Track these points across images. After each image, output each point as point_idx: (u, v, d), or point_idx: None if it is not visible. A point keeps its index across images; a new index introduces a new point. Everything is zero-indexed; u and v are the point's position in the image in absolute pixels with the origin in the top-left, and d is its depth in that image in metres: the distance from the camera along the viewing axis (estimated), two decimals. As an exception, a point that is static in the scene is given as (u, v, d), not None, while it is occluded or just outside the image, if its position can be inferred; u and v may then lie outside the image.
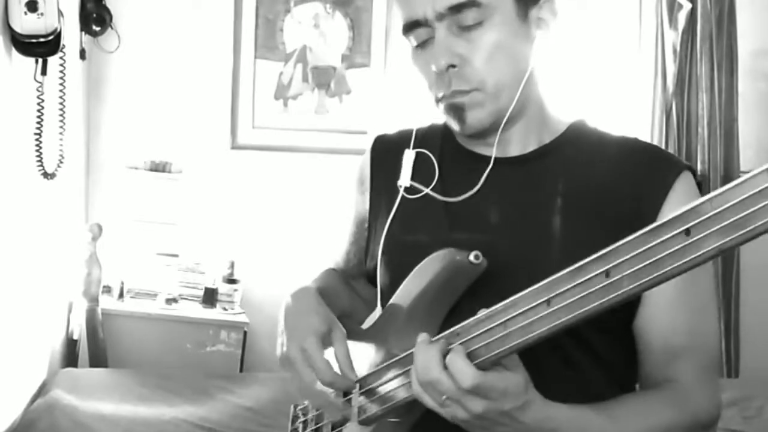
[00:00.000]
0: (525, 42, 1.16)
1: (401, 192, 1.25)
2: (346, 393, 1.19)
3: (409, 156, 1.27)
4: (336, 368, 1.16)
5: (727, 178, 3.50)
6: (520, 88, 1.16)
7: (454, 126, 1.19)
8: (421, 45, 1.16)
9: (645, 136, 3.50)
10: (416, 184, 1.24)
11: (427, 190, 1.23)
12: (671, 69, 3.51)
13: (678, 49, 3.49)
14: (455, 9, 1.11)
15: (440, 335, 1.01)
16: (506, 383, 0.95)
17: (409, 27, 1.16)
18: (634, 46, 3.61)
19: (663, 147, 3.45)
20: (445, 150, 1.26)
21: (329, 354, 1.17)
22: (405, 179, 1.26)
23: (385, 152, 1.32)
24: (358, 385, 1.16)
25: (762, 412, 2.89)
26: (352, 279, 1.43)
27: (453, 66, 1.13)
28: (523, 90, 1.16)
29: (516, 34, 1.14)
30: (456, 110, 1.16)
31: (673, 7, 3.48)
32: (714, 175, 3.50)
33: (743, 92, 3.54)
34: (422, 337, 1.01)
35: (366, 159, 1.35)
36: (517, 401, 0.95)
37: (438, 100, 1.18)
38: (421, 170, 1.25)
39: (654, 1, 3.54)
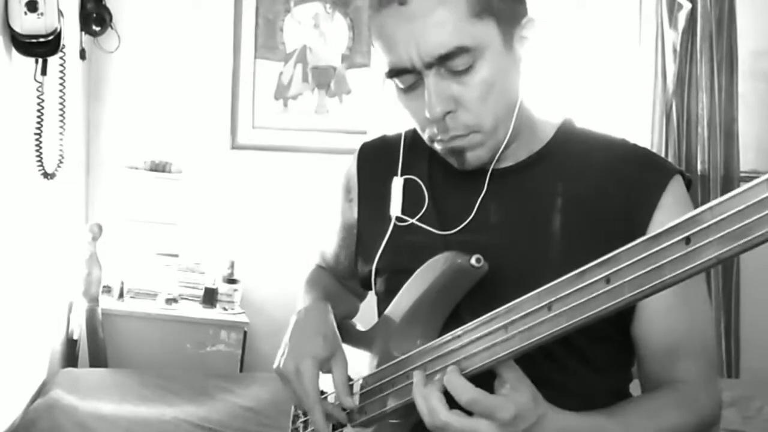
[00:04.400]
0: (514, 68, 1.13)
1: (393, 221, 1.23)
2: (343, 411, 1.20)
3: (397, 184, 1.24)
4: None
5: (727, 178, 3.50)
6: (514, 117, 1.14)
7: (454, 164, 1.16)
8: (409, 88, 1.12)
9: (645, 136, 3.51)
10: (406, 217, 1.22)
11: (413, 221, 1.21)
12: (671, 69, 3.50)
13: (678, 49, 3.49)
14: (444, 57, 1.07)
15: (435, 369, 1.02)
16: (516, 406, 0.95)
17: (395, 73, 1.11)
18: (634, 46, 3.61)
19: (663, 147, 3.46)
20: (434, 167, 1.23)
21: (326, 378, 1.18)
22: (396, 209, 1.24)
23: (372, 162, 1.32)
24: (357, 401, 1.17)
25: (762, 412, 2.89)
26: (344, 279, 1.44)
27: (448, 112, 1.10)
28: (516, 114, 1.14)
29: (506, 66, 1.11)
30: (455, 152, 1.14)
31: (673, 7, 3.48)
32: (714, 175, 3.50)
33: (743, 92, 3.54)
34: (417, 378, 1.02)
35: (353, 168, 1.34)
36: (530, 419, 0.96)
37: (433, 141, 1.15)
38: (411, 195, 1.23)
39: (654, 1, 3.54)
